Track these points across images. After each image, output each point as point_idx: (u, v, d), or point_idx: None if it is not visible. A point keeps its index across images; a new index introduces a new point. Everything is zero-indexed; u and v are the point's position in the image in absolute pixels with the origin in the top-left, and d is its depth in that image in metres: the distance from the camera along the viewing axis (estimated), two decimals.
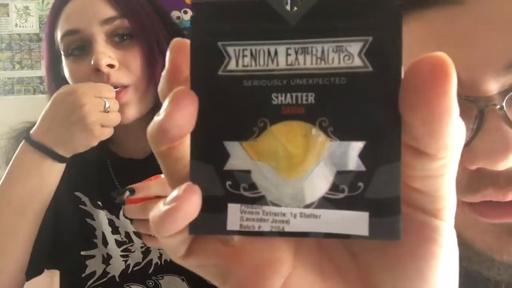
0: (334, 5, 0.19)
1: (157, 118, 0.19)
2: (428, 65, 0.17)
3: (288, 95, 0.20)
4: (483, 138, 0.34)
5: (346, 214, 0.19)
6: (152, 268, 0.81)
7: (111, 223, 0.82)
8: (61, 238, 0.81)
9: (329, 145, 0.19)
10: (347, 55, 0.19)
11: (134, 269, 0.81)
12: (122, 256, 0.82)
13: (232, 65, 0.20)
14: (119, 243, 0.82)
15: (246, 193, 0.20)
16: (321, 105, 0.19)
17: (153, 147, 0.21)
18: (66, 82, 0.78)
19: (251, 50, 0.20)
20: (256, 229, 0.20)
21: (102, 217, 0.82)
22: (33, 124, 0.74)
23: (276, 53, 0.20)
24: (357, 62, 0.19)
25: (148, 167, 0.65)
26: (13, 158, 0.73)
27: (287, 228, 0.20)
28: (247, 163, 0.20)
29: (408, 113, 0.18)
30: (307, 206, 0.20)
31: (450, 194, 0.20)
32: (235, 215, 0.20)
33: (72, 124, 0.69)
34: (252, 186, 0.20)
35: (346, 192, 0.19)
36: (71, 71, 0.78)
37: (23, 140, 0.73)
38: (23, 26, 2.11)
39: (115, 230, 0.82)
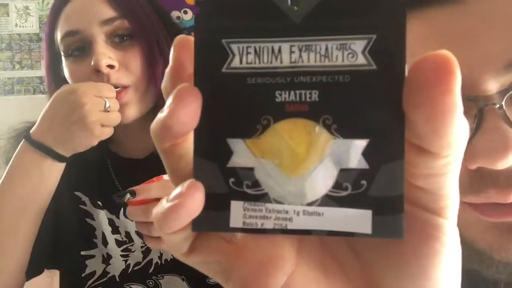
0: (338, 3, 0.19)
1: (161, 114, 0.19)
2: (432, 63, 0.17)
3: (292, 92, 0.20)
4: (482, 137, 0.34)
5: (349, 212, 0.19)
6: (152, 267, 0.81)
7: (111, 222, 0.82)
8: (61, 238, 0.81)
9: (332, 143, 0.19)
10: (351, 53, 0.19)
11: (134, 268, 0.81)
12: (122, 255, 0.81)
13: (236, 63, 0.20)
14: (119, 243, 0.82)
15: (249, 191, 0.20)
16: (324, 103, 0.19)
17: (156, 144, 0.21)
18: (66, 83, 0.78)
19: (255, 48, 0.20)
20: (259, 226, 0.20)
21: (102, 217, 0.82)
22: (33, 124, 0.74)
23: (280, 50, 0.20)
24: (361, 60, 0.19)
25: (148, 167, 0.65)
26: (13, 157, 0.73)
27: (290, 226, 0.20)
28: (250, 160, 0.20)
29: (411, 111, 0.18)
30: (310, 204, 0.20)
31: (453, 193, 0.20)
32: (238, 212, 0.20)
33: (73, 123, 0.69)
34: (255, 184, 0.20)
35: (349, 190, 0.19)
36: (71, 71, 0.78)
37: (23, 140, 0.72)
38: (23, 26, 2.11)
39: (115, 229, 0.82)
